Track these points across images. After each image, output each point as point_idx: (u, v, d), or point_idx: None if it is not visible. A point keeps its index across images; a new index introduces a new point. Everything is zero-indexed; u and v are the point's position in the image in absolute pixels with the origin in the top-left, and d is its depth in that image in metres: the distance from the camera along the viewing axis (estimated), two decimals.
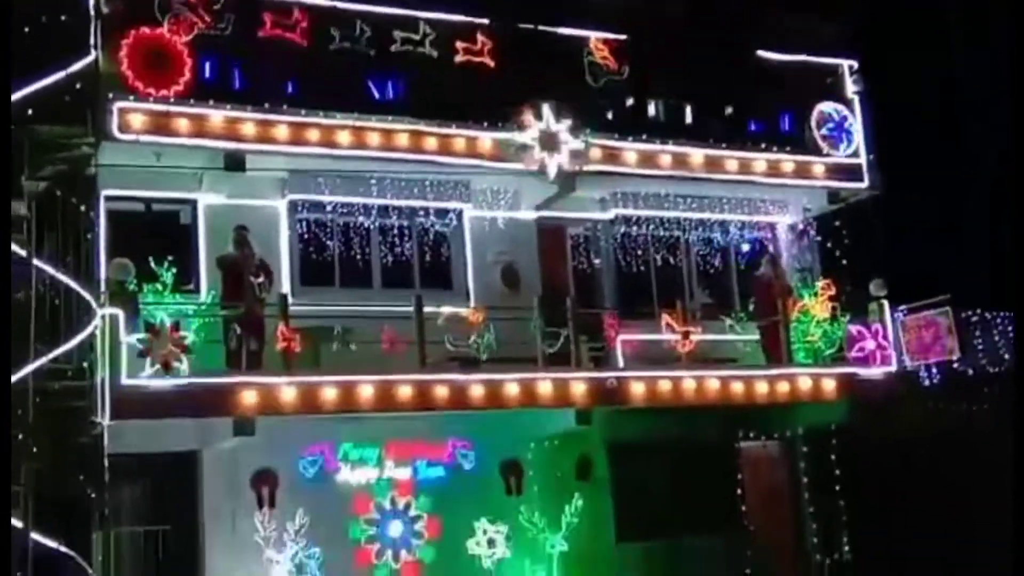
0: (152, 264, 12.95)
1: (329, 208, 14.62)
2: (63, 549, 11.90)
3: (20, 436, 11.51)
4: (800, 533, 16.45)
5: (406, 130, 14.44)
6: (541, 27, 15.65)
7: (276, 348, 12.94)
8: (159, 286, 12.87)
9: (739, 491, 16.01)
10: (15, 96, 12.16)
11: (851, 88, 17.27)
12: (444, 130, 14.61)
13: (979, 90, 21.68)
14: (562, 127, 15.00)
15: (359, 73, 14.80)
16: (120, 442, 12.36)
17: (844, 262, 16.63)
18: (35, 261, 12.10)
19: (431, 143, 14.56)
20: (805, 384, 15.28)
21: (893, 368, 15.67)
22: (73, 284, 12.34)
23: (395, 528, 14.38)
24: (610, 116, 15.97)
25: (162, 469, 13.29)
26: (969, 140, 21.80)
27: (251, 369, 12.98)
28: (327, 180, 14.47)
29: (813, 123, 16.80)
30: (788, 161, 16.52)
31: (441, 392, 13.55)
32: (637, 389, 14.47)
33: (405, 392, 13.38)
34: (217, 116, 13.46)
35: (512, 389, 13.87)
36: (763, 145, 16.42)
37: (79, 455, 12.07)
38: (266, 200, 14.48)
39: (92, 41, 13.11)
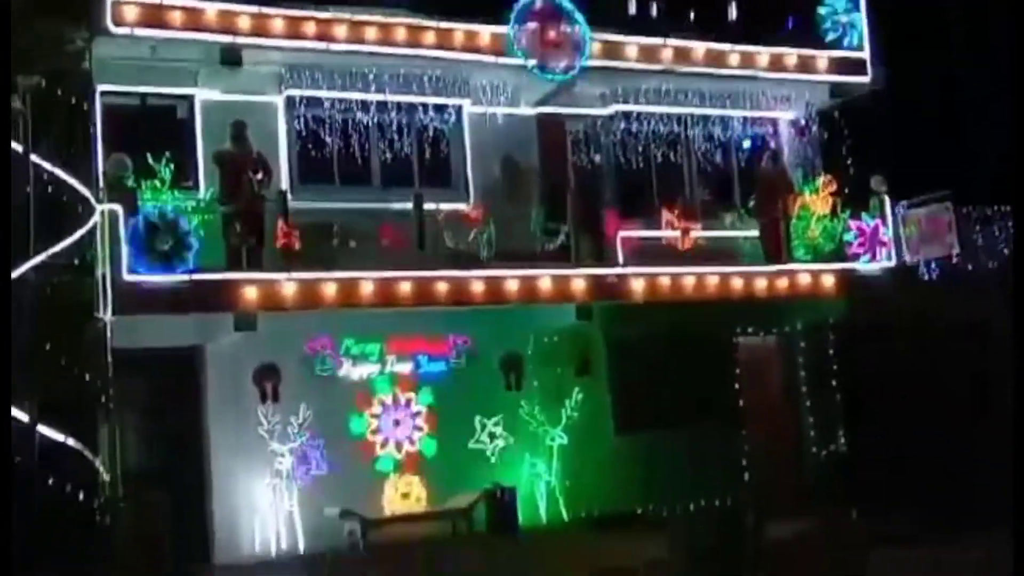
0: (150, 160, 12.91)
1: (327, 104, 14.47)
2: (69, 442, 12.11)
3: (23, 331, 11.63)
4: (797, 426, 16.67)
5: (404, 24, 14.24)
6: None
7: (276, 244, 12.98)
8: (157, 182, 12.84)
9: (737, 385, 16.19)
10: None
11: None
12: (442, 24, 14.39)
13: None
14: (561, 21, 14.77)
15: None
16: (124, 337, 12.47)
17: (846, 158, 16.52)
18: (32, 157, 12.07)
19: (429, 37, 14.38)
20: (804, 280, 15.35)
21: (892, 264, 15.70)
22: (71, 180, 12.32)
23: (397, 422, 14.59)
24: (610, 10, 15.65)
25: (166, 364, 13.39)
26: (971, 41, 21.43)
27: (251, 265, 13.01)
28: (325, 75, 14.31)
29: (817, 16, 16.50)
30: (791, 55, 16.31)
31: (441, 288, 13.62)
32: (637, 285, 14.54)
33: (405, 288, 13.45)
34: (212, 9, 13.27)
35: (512, 285, 13.94)
36: (766, 39, 16.16)
37: (83, 350, 12.19)
38: (264, 96, 14.34)
39: None
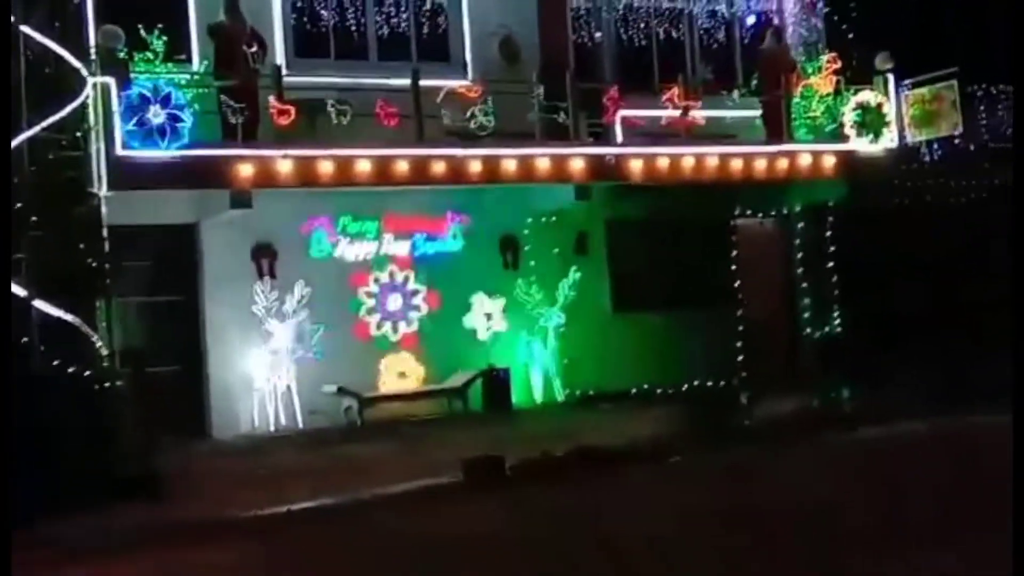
0: (143, 32, 12.61)
1: None
2: (67, 317, 12.10)
3: (18, 205, 11.50)
4: (792, 309, 16.74)
5: None
6: None
7: (271, 120, 12.78)
8: (150, 54, 12.57)
9: (734, 267, 16.19)
10: None
11: None
12: None
13: None
14: None
15: None
16: (119, 213, 12.36)
17: (851, 35, 16.19)
18: (22, 27, 11.76)
19: None
20: (804, 161, 15.21)
21: (894, 144, 15.54)
22: (62, 51, 12.03)
23: (394, 301, 14.61)
24: None
25: (162, 240, 13.35)
26: None
27: (246, 142, 12.83)
28: None
29: None
30: None
31: (438, 167, 13.48)
32: (636, 165, 14.41)
33: (402, 166, 13.31)
34: None
35: (510, 164, 13.80)
36: None
37: (78, 226, 12.08)
38: None
39: None
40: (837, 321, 16.36)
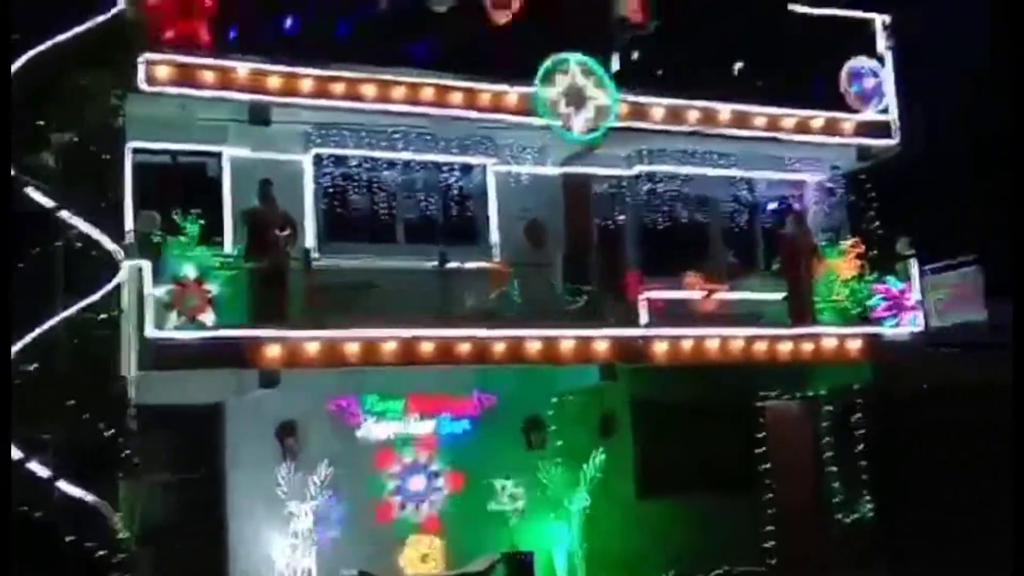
0: (178, 216, 13.01)
1: (354, 162, 14.61)
2: (90, 498, 12.10)
3: (50, 386, 11.70)
4: (821, 493, 16.44)
5: (431, 84, 14.34)
6: None
7: (300, 302, 13.03)
8: (184, 238, 12.93)
9: (761, 450, 16.01)
10: (45, 45, 12.21)
11: (883, 43, 16.98)
12: (469, 84, 14.51)
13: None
14: (588, 82, 14.88)
15: (385, 26, 14.64)
16: (147, 393, 12.50)
17: (873, 221, 16.45)
18: (61, 212, 12.21)
19: (456, 97, 14.48)
20: (830, 344, 15.22)
21: (920, 328, 15.56)
22: (100, 236, 12.43)
23: (417, 482, 14.49)
24: (637, 72, 15.74)
25: (188, 420, 13.38)
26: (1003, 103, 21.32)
27: (276, 323, 13.04)
28: (352, 134, 14.44)
29: (844, 79, 16.54)
30: (817, 118, 16.30)
31: (463, 347, 13.60)
32: (660, 347, 14.46)
33: (427, 347, 13.44)
34: (243, 68, 13.42)
35: (535, 345, 13.90)
36: (792, 101, 16.19)
37: (106, 406, 12.22)
38: (291, 154, 14.45)
39: None
40: (869, 506, 16.04)
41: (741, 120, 15.89)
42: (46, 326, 11.94)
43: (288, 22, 14.12)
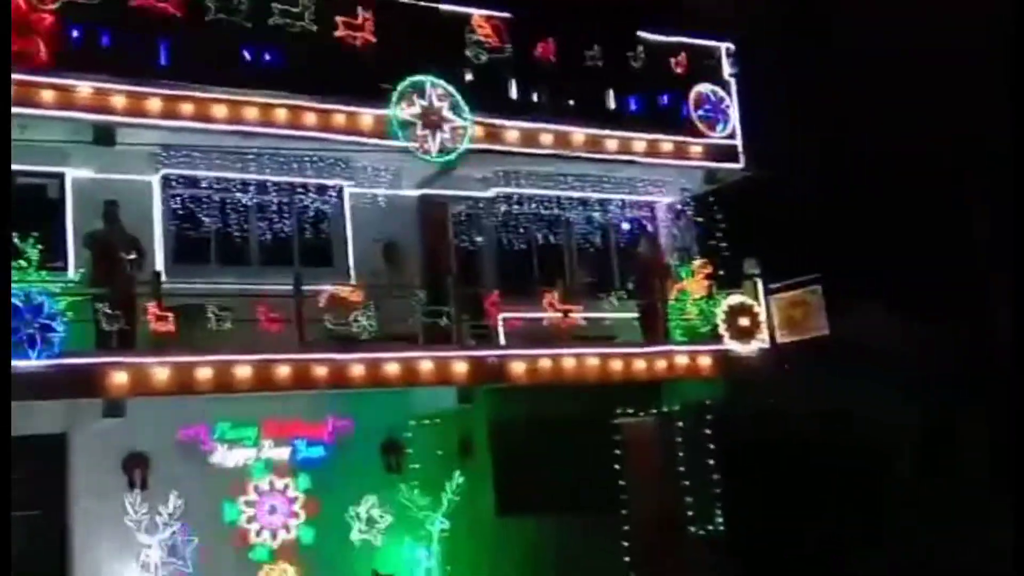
0: (17, 240, 12.48)
1: (205, 184, 14.30)
2: None
3: None
4: (676, 507, 16.78)
5: (284, 105, 14.16)
6: (422, 2, 15.49)
7: (148, 327, 12.65)
8: (23, 263, 12.41)
9: (618, 466, 16.26)
10: None
11: (728, 70, 17.56)
12: (324, 105, 14.38)
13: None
14: (444, 105, 14.94)
15: (236, 45, 14.37)
16: None
17: (721, 241, 16.95)
18: None
19: (311, 119, 14.32)
20: (681, 361, 15.58)
21: (766, 345, 16.08)
22: None
23: (273, 509, 14.21)
24: (492, 94, 15.87)
25: (29, 452, 12.76)
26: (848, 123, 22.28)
27: (122, 349, 12.62)
28: (203, 155, 14.14)
29: (691, 104, 17.03)
30: (667, 141, 16.71)
31: (320, 371, 13.43)
32: (518, 367, 14.56)
33: (283, 371, 13.22)
34: (85, 87, 13.00)
35: (392, 368, 13.83)
36: (643, 125, 16.58)
37: None
38: (138, 175, 14.07)
39: None
40: (720, 519, 16.46)
41: (594, 143, 16.16)
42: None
43: (133, 40, 13.70)
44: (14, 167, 13.27)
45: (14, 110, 12.50)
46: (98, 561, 13.06)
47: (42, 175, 13.71)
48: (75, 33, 13.16)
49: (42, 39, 12.86)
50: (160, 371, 12.56)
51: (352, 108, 14.55)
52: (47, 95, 12.79)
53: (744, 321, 15.78)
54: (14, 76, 12.51)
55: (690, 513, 16.62)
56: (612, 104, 16.57)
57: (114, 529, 13.12)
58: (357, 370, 13.63)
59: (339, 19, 14.96)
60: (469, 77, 15.59)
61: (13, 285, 11.95)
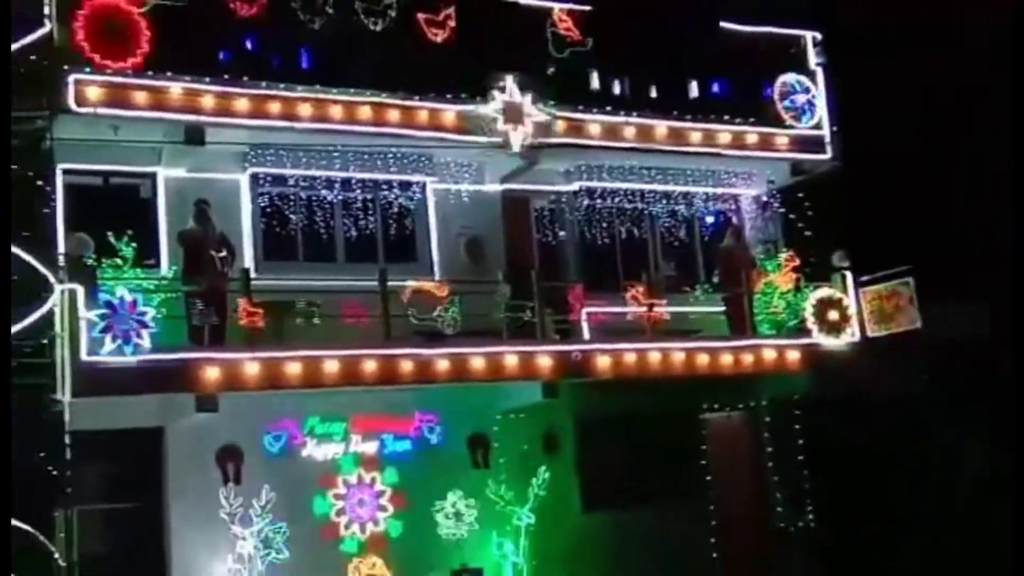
0: (112, 239, 12.79)
1: (291, 181, 14.49)
2: (24, 527, 11.78)
3: None
4: (764, 502, 16.59)
5: (368, 103, 14.29)
6: None
7: (239, 323, 12.86)
8: (119, 261, 12.71)
9: (704, 461, 16.12)
10: None
11: (814, 60, 17.28)
12: (407, 103, 14.47)
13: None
14: (526, 99, 14.94)
15: (321, 44, 14.54)
16: (83, 419, 12.23)
17: (807, 233, 16.69)
18: None
19: (394, 116, 14.44)
20: (769, 355, 15.39)
21: (856, 338, 15.79)
22: (30, 259, 12.16)
23: (361, 502, 14.35)
24: (574, 88, 15.83)
25: (126, 446, 13.13)
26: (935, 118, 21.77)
27: (214, 344, 12.85)
28: (289, 153, 14.33)
29: (776, 95, 16.79)
30: (752, 133, 16.53)
31: (406, 366, 13.52)
32: (603, 362, 14.50)
33: (370, 366, 13.33)
34: (176, 88, 13.25)
35: (477, 363, 13.86)
36: (727, 117, 16.39)
37: (40, 432, 11.93)
38: (227, 174, 14.32)
39: (47, 12, 12.89)
40: (811, 516, 16.21)
41: (677, 136, 16.05)
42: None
43: (222, 41, 13.94)
44: (109, 167, 13.76)
45: (109, 112, 12.87)
46: (194, 552, 13.31)
47: (135, 175, 14.03)
48: (166, 35, 13.37)
49: (135, 42, 13.10)
50: (250, 366, 12.74)
51: (435, 104, 14.64)
52: (140, 96, 13.06)
53: (833, 314, 15.55)
54: (109, 78, 12.88)
55: (778, 509, 16.39)
56: (695, 96, 16.41)
57: (209, 521, 13.35)
58: (442, 365, 13.70)
59: (421, 16, 15.06)
60: (550, 71, 15.57)
61: (108, 283, 12.25)
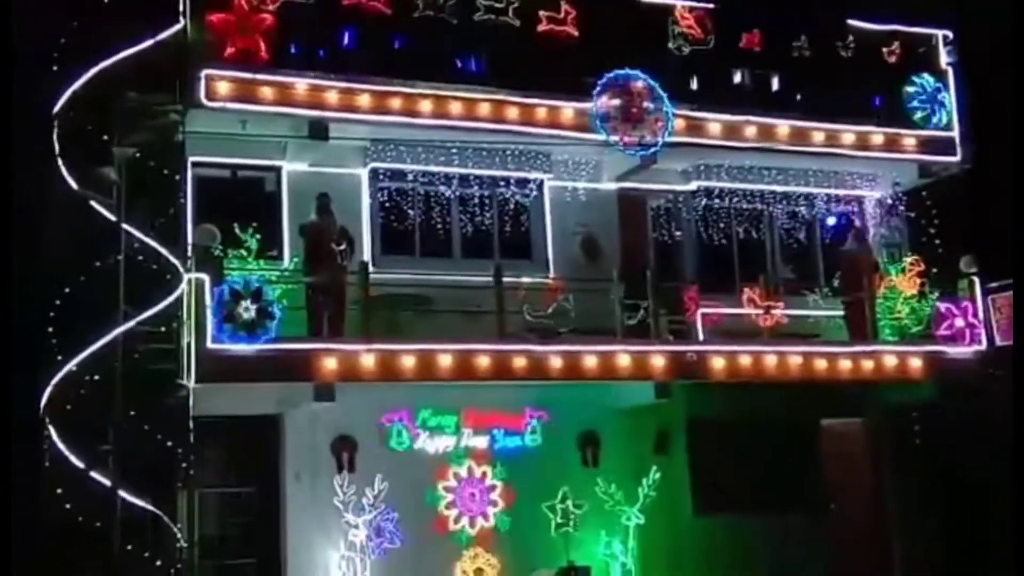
0: (237, 230, 13.15)
1: (410, 177, 14.67)
2: (149, 508, 12.23)
3: (111, 397, 11.86)
4: (881, 515, 16.15)
5: (487, 100, 14.38)
6: None
7: (356, 315, 13.10)
8: (244, 252, 13.07)
9: (819, 469, 15.77)
10: (108, 62, 12.48)
11: (945, 59, 16.76)
12: (526, 100, 14.51)
13: None
14: (645, 97, 14.83)
15: (442, 41, 14.70)
16: (204, 404, 12.62)
17: (934, 238, 16.19)
18: (124, 226, 12.40)
19: (512, 113, 14.50)
20: (890, 362, 14.99)
21: (983, 347, 15.27)
22: (160, 249, 12.59)
23: (472, 496, 14.46)
24: (695, 86, 15.65)
25: (245, 432, 13.52)
26: None
27: (332, 335, 13.11)
28: (408, 149, 14.52)
29: (904, 94, 16.32)
30: (877, 134, 16.11)
31: (519, 362, 13.57)
32: (717, 364, 14.33)
33: (483, 362, 13.43)
34: (301, 84, 13.53)
35: (590, 361, 13.84)
36: (852, 117, 16.00)
37: (166, 417, 12.35)
38: (348, 168, 14.58)
39: (181, 9, 13.32)
40: (932, 528, 15.72)
41: (800, 136, 15.74)
42: (108, 338, 12.10)
43: (345, 38, 14.19)
44: (236, 160, 14.13)
45: (237, 107, 13.22)
46: (308, 538, 13.60)
47: (261, 168, 14.40)
48: (293, 32, 13.67)
49: (263, 39, 13.44)
50: (367, 358, 12.96)
51: (553, 102, 14.64)
52: (267, 92, 13.38)
53: (959, 322, 15.04)
54: (237, 74, 13.23)
55: (898, 521, 15.94)
56: (820, 95, 16.05)
57: (323, 508, 13.63)
58: (555, 362, 13.71)
59: (542, 14, 15.08)
60: (671, 69, 15.42)
61: (234, 273, 12.60)
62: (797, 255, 16.77)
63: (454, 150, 14.64)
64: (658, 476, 14.88)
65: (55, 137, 12.85)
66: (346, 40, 14.14)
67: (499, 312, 13.64)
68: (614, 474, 14.86)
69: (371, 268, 13.69)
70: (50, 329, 12.40)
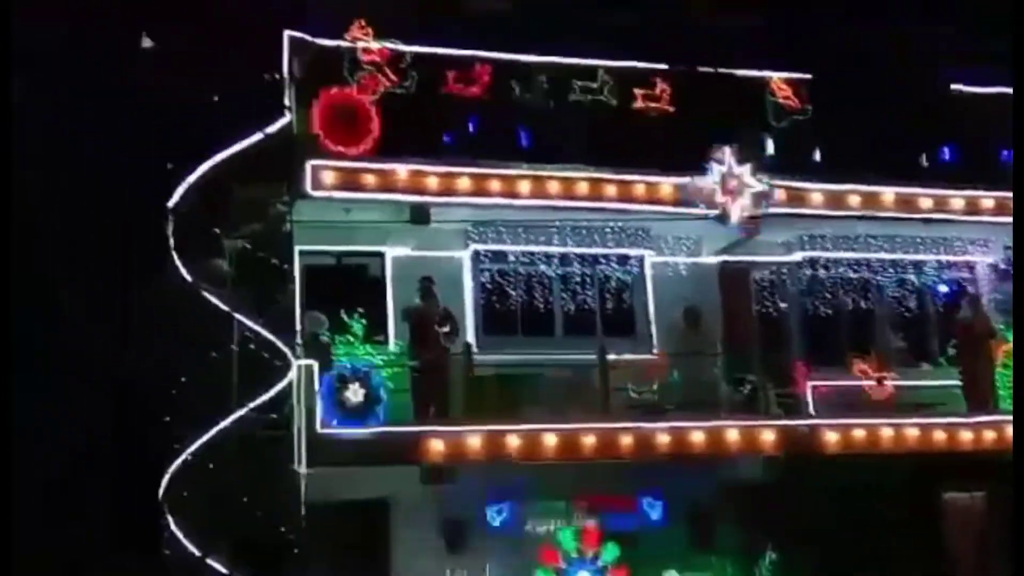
0: (344, 316, 13.37)
1: (511, 257, 14.79)
2: None
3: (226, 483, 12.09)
4: None
5: (586, 178, 14.45)
6: (720, 70, 15.46)
7: (461, 397, 13.15)
8: (350, 337, 13.26)
9: (942, 543, 15.15)
10: (219, 157, 12.95)
11: None
12: (624, 177, 14.56)
13: None
14: (744, 170, 14.76)
15: (539, 123, 14.89)
16: (315, 490, 12.73)
17: None
18: (236, 315, 12.73)
19: (611, 190, 14.54)
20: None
21: None
22: (271, 337, 12.87)
23: None
24: (794, 157, 15.53)
25: (355, 516, 13.54)
26: None
27: (438, 417, 13.17)
28: (509, 230, 14.66)
29: (1012, 154, 15.93)
30: (987, 197, 15.72)
31: (626, 440, 13.44)
32: (831, 436, 13.98)
33: (589, 440, 13.33)
34: (403, 170, 13.78)
35: (698, 436, 13.63)
36: (960, 181, 15.66)
37: (279, 502, 12.49)
38: (450, 251, 14.76)
39: (287, 103, 13.76)
40: None
41: (906, 203, 15.45)
42: (222, 425, 12.35)
43: (445, 123, 14.47)
44: (341, 248, 14.42)
45: (342, 195, 13.50)
46: None
47: (365, 255, 14.66)
48: (393, 121, 13.98)
49: (365, 128, 13.77)
50: (473, 439, 12.98)
51: (652, 178, 14.64)
52: (370, 179, 13.66)
53: None
54: (341, 164, 13.54)
55: None
56: (924, 160, 15.78)
57: None
58: (662, 439, 13.56)
59: (637, 91, 15.19)
60: (769, 140, 15.36)
61: (342, 358, 12.77)
62: (908, 324, 16.35)
63: (554, 230, 14.74)
64: (775, 555, 14.43)
65: (169, 231, 13.30)
66: (444, 126, 14.39)
67: (603, 390, 13.54)
68: (729, 553, 14.48)
69: (474, 349, 13.76)
70: (167, 419, 12.72)
